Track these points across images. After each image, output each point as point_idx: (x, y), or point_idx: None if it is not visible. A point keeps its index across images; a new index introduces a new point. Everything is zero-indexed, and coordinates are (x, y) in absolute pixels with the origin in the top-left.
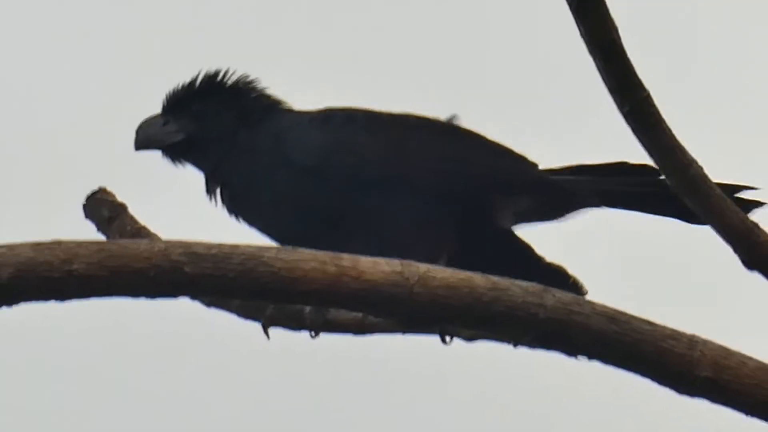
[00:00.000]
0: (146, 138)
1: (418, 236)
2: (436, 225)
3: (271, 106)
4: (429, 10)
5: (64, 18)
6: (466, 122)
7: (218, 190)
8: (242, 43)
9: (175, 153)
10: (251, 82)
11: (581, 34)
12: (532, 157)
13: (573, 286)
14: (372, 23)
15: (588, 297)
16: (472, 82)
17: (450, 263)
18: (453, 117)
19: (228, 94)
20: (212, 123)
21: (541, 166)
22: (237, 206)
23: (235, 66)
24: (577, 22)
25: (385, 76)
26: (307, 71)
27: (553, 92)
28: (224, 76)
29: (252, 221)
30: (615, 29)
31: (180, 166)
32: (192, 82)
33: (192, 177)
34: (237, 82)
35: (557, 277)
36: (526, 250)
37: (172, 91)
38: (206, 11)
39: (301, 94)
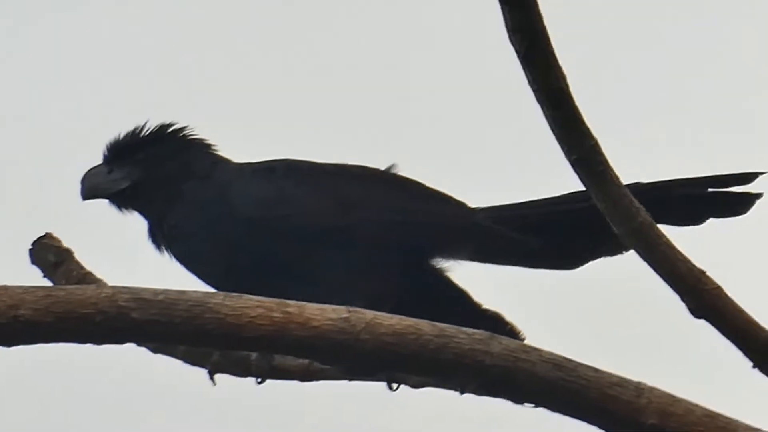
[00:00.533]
0: (92, 187)
1: (362, 283)
2: (379, 272)
3: (215, 158)
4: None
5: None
6: (407, 169)
7: (163, 238)
8: (183, 92)
9: (121, 200)
10: (196, 135)
11: (529, 82)
12: (470, 202)
13: (510, 332)
14: (313, 69)
15: (533, 343)
16: (419, 128)
17: (392, 310)
18: (392, 166)
19: (172, 144)
20: (157, 171)
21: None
22: (181, 255)
23: (179, 116)
24: (524, 70)
25: (326, 126)
26: (245, 123)
27: (502, 136)
28: (169, 127)
29: (196, 270)
30: (563, 77)
31: (126, 213)
32: (135, 132)
33: (138, 223)
34: (181, 133)
35: (494, 324)
36: (463, 296)
37: (113, 141)
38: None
39: (241, 145)
